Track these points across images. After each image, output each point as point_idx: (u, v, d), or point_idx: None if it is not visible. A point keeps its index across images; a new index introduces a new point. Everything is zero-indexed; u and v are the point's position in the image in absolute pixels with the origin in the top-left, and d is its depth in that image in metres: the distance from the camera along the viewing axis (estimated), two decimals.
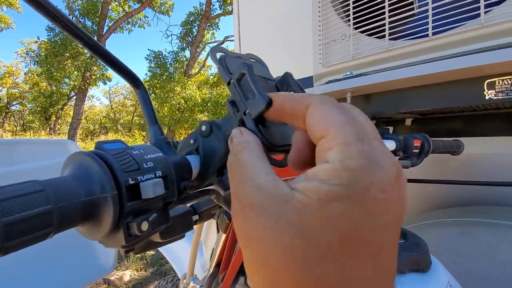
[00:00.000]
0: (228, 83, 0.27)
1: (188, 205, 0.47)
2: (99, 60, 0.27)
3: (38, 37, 14.76)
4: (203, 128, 0.32)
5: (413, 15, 0.79)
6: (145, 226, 0.23)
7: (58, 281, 0.66)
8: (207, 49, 17.30)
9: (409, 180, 1.08)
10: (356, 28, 0.91)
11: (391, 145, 0.76)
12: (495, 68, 0.65)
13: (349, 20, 0.92)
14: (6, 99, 18.84)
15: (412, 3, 0.82)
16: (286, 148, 0.27)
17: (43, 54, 12.74)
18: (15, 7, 13.75)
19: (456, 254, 0.69)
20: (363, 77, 0.87)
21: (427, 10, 0.73)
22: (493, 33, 0.65)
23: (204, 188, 0.35)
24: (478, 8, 0.65)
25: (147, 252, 3.74)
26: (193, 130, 0.35)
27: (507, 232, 0.71)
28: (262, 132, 0.26)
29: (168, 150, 0.30)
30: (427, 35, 0.75)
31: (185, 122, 13.95)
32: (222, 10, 14.61)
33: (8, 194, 0.17)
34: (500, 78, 0.69)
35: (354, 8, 0.89)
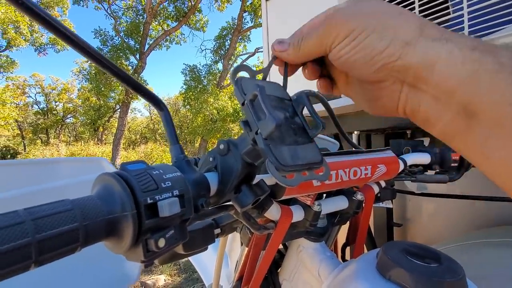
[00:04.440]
0: (242, 104, 0.29)
1: (211, 219, 0.48)
2: (127, 88, 0.30)
3: None
4: (221, 146, 0.34)
5: (448, 20, 0.74)
6: (162, 242, 0.24)
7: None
8: (239, 60, 17.79)
9: (449, 196, 0.99)
10: None
11: (425, 158, 0.71)
12: None
13: None
14: (62, 113, 21.07)
15: (447, 8, 0.77)
16: (297, 168, 0.27)
17: (93, 72, 14.10)
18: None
19: (497, 280, 0.62)
20: None
21: (462, 15, 0.68)
22: None
23: (223, 204, 0.36)
24: None
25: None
26: (212, 148, 0.36)
27: None
28: (273, 151, 0.26)
29: (188, 169, 0.32)
30: None
31: (217, 132, 14.36)
32: (253, 23, 15.01)
33: (43, 213, 0.19)
34: None
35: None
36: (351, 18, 0.28)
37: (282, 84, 0.35)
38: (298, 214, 0.49)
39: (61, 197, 0.23)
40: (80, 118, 20.53)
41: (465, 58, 0.24)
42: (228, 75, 16.67)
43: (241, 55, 17.36)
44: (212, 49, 16.47)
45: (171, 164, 0.32)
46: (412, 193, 1.08)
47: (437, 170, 0.72)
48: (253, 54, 17.34)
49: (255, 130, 0.27)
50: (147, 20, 13.80)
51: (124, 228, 0.23)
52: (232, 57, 16.21)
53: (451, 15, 0.76)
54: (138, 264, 0.86)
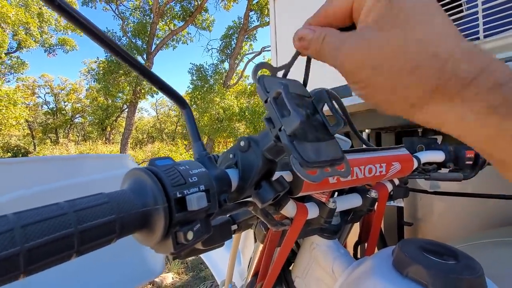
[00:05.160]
0: (265, 101, 0.29)
1: (227, 215, 0.49)
2: (152, 86, 0.31)
3: (98, 57, 16.67)
4: (242, 143, 0.34)
5: (462, 17, 0.73)
6: (190, 235, 0.25)
7: (113, 281, 0.74)
8: (245, 60, 17.80)
9: (465, 194, 0.98)
10: None
11: (439, 156, 0.71)
12: None
13: None
14: (70, 113, 21.42)
15: (460, 5, 0.76)
16: (320, 164, 0.28)
17: (101, 72, 14.30)
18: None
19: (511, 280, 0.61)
20: None
21: (477, 12, 0.67)
22: None
23: (243, 200, 0.37)
24: None
25: (189, 258, 3.90)
26: (232, 146, 0.37)
27: None
28: (297, 148, 0.27)
29: (210, 165, 0.33)
30: (478, 38, 0.69)
31: (223, 131, 14.41)
32: (259, 21, 14.99)
33: (83, 205, 0.20)
34: None
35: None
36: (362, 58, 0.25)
37: (301, 81, 0.35)
38: (313, 211, 0.50)
39: (89, 192, 0.24)
40: (88, 118, 20.83)
41: (480, 122, 0.22)
42: (235, 73, 16.70)
43: (247, 54, 17.38)
44: (218, 48, 16.52)
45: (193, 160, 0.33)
46: (425, 191, 1.07)
47: (451, 168, 0.72)
48: (259, 53, 17.32)
49: (279, 127, 0.28)
50: (154, 20, 13.92)
51: (156, 220, 0.24)
52: (238, 56, 16.23)
53: (465, 13, 0.75)
54: (161, 259, 0.88)
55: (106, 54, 14.24)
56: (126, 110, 16.09)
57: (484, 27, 0.66)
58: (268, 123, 0.29)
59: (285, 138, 0.27)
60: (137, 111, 16.40)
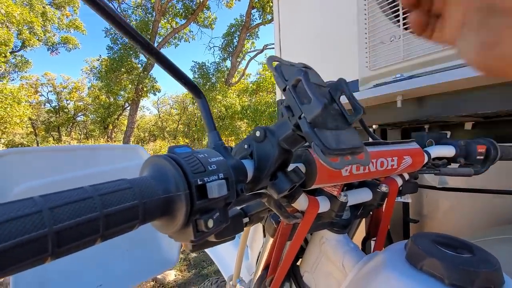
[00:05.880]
0: (284, 89, 0.29)
1: (239, 208, 0.49)
2: (168, 74, 0.31)
3: (100, 55, 16.68)
4: (258, 133, 0.34)
5: None
6: (210, 223, 0.25)
7: (130, 270, 0.74)
8: (247, 58, 17.76)
9: (473, 190, 0.98)
10: (406, 29, 0.86)
11: (450, 151, 0.70)
12: None
13: (398, 21, 0.88)
14: (73, 111, 21.50)
15: None
16: (341, 152, 0.28)
17: (104, 70, 14.32)
18: (81, 29, 15.76)
19: None
20: (416, 79, 0.82)
21: None
22: None
23: (257, 192, 0.37)
24: None
25: (190, 254, 3.90)
26: (247, 136, 0.37)
27: None
28: (318, 135, 0.26)
29: (226, 154, 0.32)
30: None
31: (225, 129, 14.41)
32: (261, 19, 14.94)
33: (107, 189, 0.20)
34: None
35: (404, 7, 0.85)
36: None
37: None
38: (324, 205, 0.50)
39: (104, 181, 0.24)
40: (90, 116, 20.90)
41: None
42: (237, 72, 16.67)
43: (250, 52, 17.34)
44: (220, 46, 16.50)
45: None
46: (433, 187, 1.07)
47: (461, 163, 0.71)
48: (262, 51, 17.28)
49: (298, 115, 0.27)
50: (156, 18, 13.91)
51: (177, 207, 0.23)
52: (240, 54, 16.20)
53: None
54: (176, 249, 0.88)
55: (109, 52, 14.26)
56: (128, 108, 16.13)
57: None
58: (287, 111, 0.28)
59: (305, 126, 0.26)
60: (139, 109, 16.43)
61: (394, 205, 0.63)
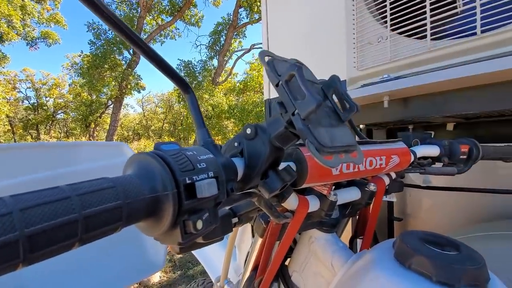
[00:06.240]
0: (277, 85, 0.28)
1: (227, 208, 0.47)
2: (155, 67, 0.29)
3: (82, 51, 16.11)
4: (248, 131, 0.33)
5: (457, 13, 0.74)
6: (199, 224, 0.23)
7: (113, 276, 0.71)
8: (234, 57, 17.69)
9: (453, 189, 1.00)
10: (393, 30, 0.88)
11: (435, 150, 0.71)
12: None
13: (385, 22, 0.89)
14: (52, 108, 20.68)
15: (455, 1, 0.77)
16: (335, 150, 0.27)
17: (86, 66, 13.84)
18: (62, 24, 15.17)
19: (504, 274, 0.62)
20: (402, 79, 0.83)
21: (474, 7, 0.68)
22: None
23: (248, 191, 0.35)
24: None
25: (175, 255, 3.84)
26: (237, 134, 0.35)
27: None
28: (312, 132, 0.26)
29: (216, 152, 0.31)
30: (475, 33, 0.70)
31: (212, 129, 14.29)
32: (248, 19, 14.91)
33: (87, 189, 0.18)
34: None
35: (391, 9, 0.86)
36: None
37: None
38: (314, 204, 0.49)
39: (85, 180, 0.22)
40: (71, 114, 20.16)
41: None
42: (224, 71, 16.56)
43: (237, 51, 17.27)
44: (207, 44, 16.33)
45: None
46: (417, 186, 1.09)
47: (445, 163, 0.73)
48: (249, 50, 17.25)
49: (292, 111, 0.27)
50: (141, 15, 13.59)
51: (164, 208, 0.22)
52: (227, 53, 16.10)
53: (460, 8, 0.76)
54: (162, 252, 0.85)
55: (91, 48, 13.80)
56: (111, 106, 15.68)
57: (482, 22, 0.67)
58: (280, 107, 0.27)
59: (299, 122, 0.26)
60: (122, 107, 16.00)
61: (381, 204, 0.64)
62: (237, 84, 17.81)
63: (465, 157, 0.71)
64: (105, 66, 13.46)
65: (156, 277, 3.35)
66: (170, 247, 0.33)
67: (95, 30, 13.80)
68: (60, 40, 16.46)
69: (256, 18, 14.25)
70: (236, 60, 17.80)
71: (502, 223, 0.93)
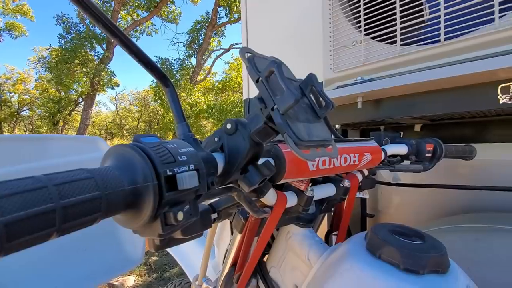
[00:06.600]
0: (257, 81, 0.29)
1: (207, 204, 0.47)
2: (134, 58, 0.29)
3: (50, 44, 15.13)
4: (228, 126, 0.33)
5: (424, 21, 0.80)
6: (180, 216, 0.24)
7: (86, 273, 0.68)
8: (213, 56, 17.51)
9: (420, 185, 1.07)
10: (366, 34, 0.92)
11: (403, 149, 0.76)
12: (510, 72, 0.66)
13: (359, 27, 0.94)
14: (17, 105, 19.25)
15: (422, 10, 0.83)
16: (312, 144, 0.28)
17: (54, 61, 13.03)
18: (29, 15, 14.17)
19: (471, 260, 0.68)
20: (374, 82, 0.88)
21: (439, 16, 0.74)
22: (508, 37, 0.65)
23: (228, 186, 0.36)
24: (493, 13, 0.66)
25: (151, 258, 3.73)
26: (217, 129, 0.36)
27: None
28: (290, 126, 0.27)
29: (196, 146, 0.31)
30: (439, 41, 0.75)
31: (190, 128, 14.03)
32: (228, 18, 14.83)
33: (64, 179, 0.18)
34: None
35: (365, 14, 0.90)
36: None
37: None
38: (292, 200, 0.51)
39: None
40: (37, 111, 18.90)
41: None
42: (202, 70, 16.33)
43: (216, 50, 17.10)
44: (185, 42, 16.03)
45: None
46: (388, 183, 1.15)
47: (413, 161, 0.78)
48: (228, 50, 17.15)
49: (271, 106, 0.27)
50: (115, 9, 13.04)
51: (145, 199, 0.22)
52: (206, 52, 15.90)
53: (427, 17, 0.81)
54: (141, 247, 0.82)
55: (60, 42, 13.03)
56: (82, 103, 14.90)
57: (445, 30, 0.73)
58: (259, 103, 0.28)
59: (278, 117, 0.27)
60: (94, 104, 15.26)
61: (354, 199, 0.67)
62: (215, 84, 17.65)
63: (430, 155, 0.76)
64: (76, 61, 12.76)
65: (130, 281, 3.23)
66: (147, 244, 0.32)
67: (65, 23, 13.05)
68: (27, 33, 15.38)
69: (236, 18, 14.21)
70: (215, 59, 17.64)
71: (464, 217, 1.01)
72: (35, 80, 18.22)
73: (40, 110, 18.19)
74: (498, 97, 0.69)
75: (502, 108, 0.70)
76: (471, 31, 0.69)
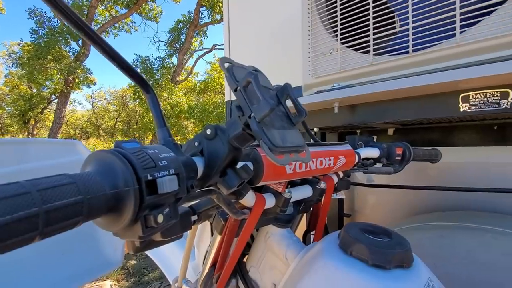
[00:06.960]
0: (235, 90, 0.30)
1: (187, 206, 0.48)
2: (115, 65, 0.29)
3: (21, 39, 14.28)
4: (208, 131, 0.35)
5: (395, 33, 0.85)
6: (160, 218, 0.25)
7: (67, 275, 0.66)
8: (195, 56, 17.32)
9: (392, 186, 1.14)
10: (343, 43, 0.97)
11: (375, 152, 0.81)
12: (469, 83, 0.72)
13: (336, 36, 0.98)
14: None
15: (394, 22, 0.88)
16: (286, 150, 0.30)
17: (26, 56, 12.32)
18: None
19: (436, 256, 0.74)
20: (349, 88, 0.92)
21: (408, 29, 0.79)
22: (468, 51, 0.72)
23: (207, 188, 0.37)
24: (454, 29, 0.72)
25: (129, 262, 3.63)
26: (197, 134, 0.37)
27: (484, 236, 0.75)
28: (266, 133, 0.29)
29: (176, 151, 0.32)
30: (407, 52, 0.81)
31: (171, 129, 13.74)
32: (210, 18, 14.73)
33: (46, 184, 0.19)
34: (473, 93, 0.76)
35: (341, 24, 0.95)
36: None
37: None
38: (270, 201, 0.53)
39: None
40: (7, 109, 17.76)
41: None
42: (184, 69, 16.08)
43: (197, 50, 16.93)
44: (166, 41, 15.73)
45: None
46: (362, 184, 1.21)
47: (384, 163, 0.83)
48: (210, 50, 17.04)
49: (248, 114, 0.29)
50: (92, 4, 12.56)
51: (126, 203, 0.23)
52: (187, 51, 15.68)
53: (398, 29, 0.87)
54: (120, 249, 0.81)
55: (33, 36, 12.35)
56: (55, 101, 14.19)
57: (413, 42, 0.78)
58: (238, 111, 0.30)
59: (255, 124, 0.28)
60: (68, 103, 14.58)
61: (330, 200, 0.71)
62: (197, 84, 17.45)
63: (399, 158, 0.81)
64: (49, 57, 12.14)
65: (107, 286, 3.12)
66: (127, 247, 0.33)
67: (38, 17, 12.39)
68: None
69: (218, 18, 14.14)
70: (197, 59, 17.44)
71: (431, 215, 1.08)
72: (5, 76, 17.13)
73: (9, 108, 17.11)
74: (459, 105, 0.75)
75: (463, 115, 0.76)
76: (435, 44, 0.75)
